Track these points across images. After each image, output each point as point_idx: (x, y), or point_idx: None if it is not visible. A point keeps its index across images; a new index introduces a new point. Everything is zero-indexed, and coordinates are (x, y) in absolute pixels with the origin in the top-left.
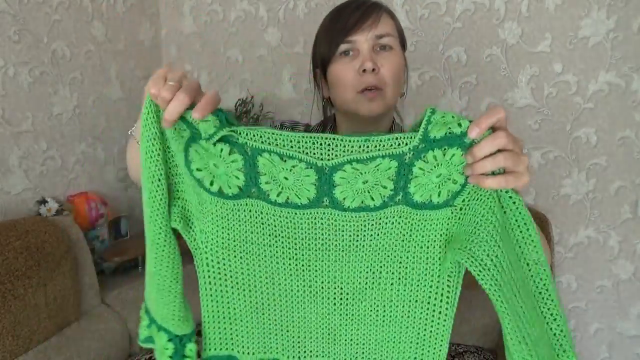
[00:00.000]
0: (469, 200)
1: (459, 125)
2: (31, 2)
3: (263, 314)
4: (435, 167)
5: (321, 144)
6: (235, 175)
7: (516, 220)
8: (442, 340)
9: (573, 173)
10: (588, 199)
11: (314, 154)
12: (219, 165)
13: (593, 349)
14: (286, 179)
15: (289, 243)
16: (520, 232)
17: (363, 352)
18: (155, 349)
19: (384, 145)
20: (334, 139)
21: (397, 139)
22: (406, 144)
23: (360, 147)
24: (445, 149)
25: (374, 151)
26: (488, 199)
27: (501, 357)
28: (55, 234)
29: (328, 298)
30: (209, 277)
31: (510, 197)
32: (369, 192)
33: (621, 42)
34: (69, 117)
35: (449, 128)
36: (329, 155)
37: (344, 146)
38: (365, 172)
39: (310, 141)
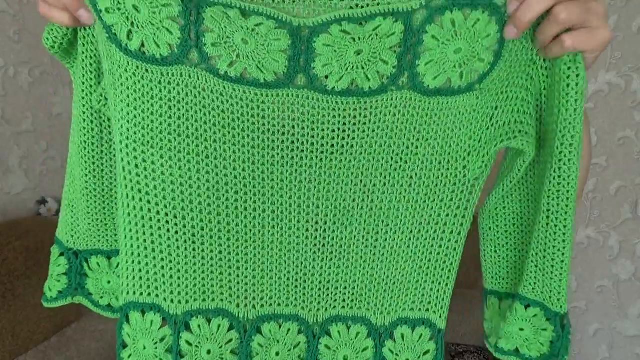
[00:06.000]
0: (500, 79)
1: None
2: (31, 2)
3: (202, 244)
4: (453, 37)
5: None
6: (166, 27)
7: (566, 102)
8: (448, 278)
9: None
10: (588, 199)
11: (286, 10)
12: (142, 8)
13: (593, 349)
14: (245, 42)
15: (242, 139)
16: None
17: (343, 299)
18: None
19: None
20: None
21: None
22: None
23: None
24: (467, 12)
25: (373, 6)
26: (526, 66)
27: None
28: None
29: (298, 221)
30: (125, 187)
31: (568, 66)
32: (363, 69)
33: (621, 42)
34: (69, 117)
35: None
36: (309, 10)
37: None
38: (359, 38)
39: None
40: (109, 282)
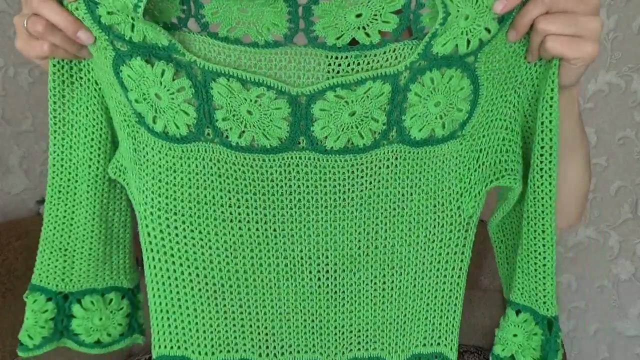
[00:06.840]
0: (480, 123)
1: (468, 42)
2: None
3: (223, 300)
4: (432, 92)
5: (298, 61)
6: (183, 109)
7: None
8: (455, 312)
9: None
10: (588, 199)
11: (286, 76)
12: (162, 95)
13: (593, 349)
14: (250, 113)
15: (254, 202)
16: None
17: (359, 342)
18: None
19: (378, 61)
20: (314, 54)
21: (394, 51)
22: (404, 57)
23: (349, 64)
24: (444, 70)
25: (365, 70)
26: (508, 107)
27: None
28: None
29: (310, 272)
30: (151, 251)
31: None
32: (357, 128)
33: (621, 42)
34: None
35: (457, 44)
36: (306, 77)
37: (328, 64)
38: (352, 101)
39: (281, 58)
40: (100, 319)
